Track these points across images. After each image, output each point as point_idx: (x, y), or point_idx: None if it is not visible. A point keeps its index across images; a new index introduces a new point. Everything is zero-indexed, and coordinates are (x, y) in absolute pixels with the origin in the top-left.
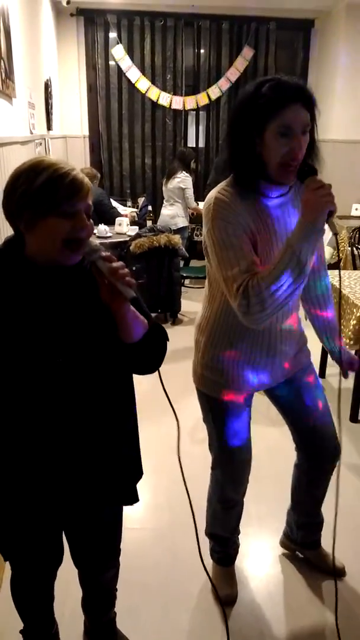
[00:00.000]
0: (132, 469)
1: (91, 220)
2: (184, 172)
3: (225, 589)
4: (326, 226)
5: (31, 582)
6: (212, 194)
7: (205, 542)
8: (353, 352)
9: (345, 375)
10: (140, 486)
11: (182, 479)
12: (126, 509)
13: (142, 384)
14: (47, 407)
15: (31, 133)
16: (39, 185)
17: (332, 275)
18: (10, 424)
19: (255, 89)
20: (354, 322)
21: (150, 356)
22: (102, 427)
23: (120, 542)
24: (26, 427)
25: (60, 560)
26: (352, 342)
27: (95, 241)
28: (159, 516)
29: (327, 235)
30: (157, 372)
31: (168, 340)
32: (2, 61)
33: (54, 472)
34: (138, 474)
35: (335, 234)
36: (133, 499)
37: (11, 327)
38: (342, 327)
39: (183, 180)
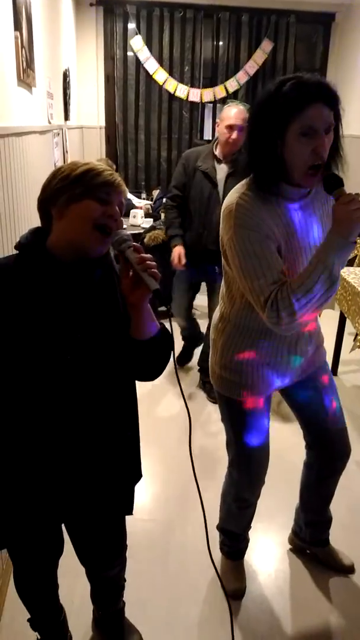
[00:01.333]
0: (131, 471)
1: (122, 218)
2: None
3: (233, 582)
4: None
5: (32, 573)
6: (232, 199)
7: (214, 536)
8: None
9: None
10: (153, 478)
11: (193, 472)
12: (137, 500)
13: (157, 380)
14: (52, 403)
15: (49, 123)
16: (80, 172)
17: (347, 273)
18: (14, 418)
19: (276, 88)
20: None
21: (155, 360)
22: (104, 426)
23: (125, 540)
24: (30, 421)
25: (61, 551)
26: None
27: (126, 232)
28: (170, 508)
29: None
30: (174, 364)
31: (173, 349)
32: (23, 50)
33: (54, 467)
34: (137, 476)
35: None
36: (129, 507)
37: (24, 320)
38: (355, 323)
39: None
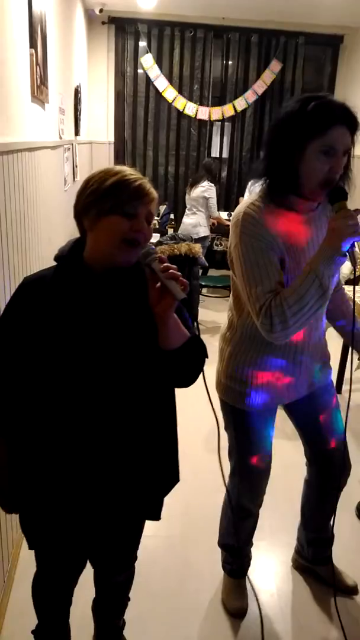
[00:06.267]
0: (168, 477)
1: (150, 227)
2: (208, 181)
3: (235, 601)
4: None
5: (54, 584)
6: (241, 208)
7: (218, 555)
8: None
9: None
10: None
11: (223, 481)
12: None
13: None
14: (86, 413)
15: (60, 138)
16: (108, 185)
17: (348, 289)
18: (49, 427)
19: (301, 105)
20: None
21: (187, 368)
22: (141, 435)
23: (138, 546)
24: (65, 429)
25: (84, 566)
26: None
27: (150, 245)
28: (174, 524)
29: None
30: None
31: (207, 357)
32: (38, 67)
33: (88, 480)
34: (174, 480)
35: (355, 265)
36: (157, 513)
37: (60, 329)
38: None
39: (207, 189)
